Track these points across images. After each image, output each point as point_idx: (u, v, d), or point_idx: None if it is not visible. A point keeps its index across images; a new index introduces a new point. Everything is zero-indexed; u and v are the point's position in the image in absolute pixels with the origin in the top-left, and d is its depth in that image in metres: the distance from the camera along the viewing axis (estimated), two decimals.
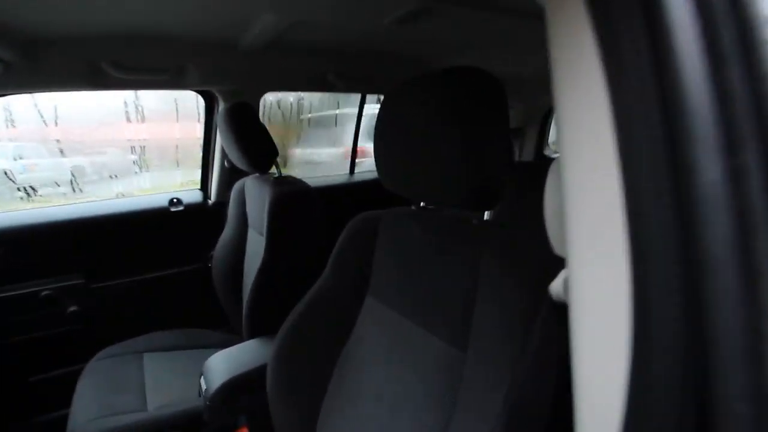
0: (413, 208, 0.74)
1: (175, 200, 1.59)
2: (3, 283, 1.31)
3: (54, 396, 1.20)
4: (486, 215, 0.67)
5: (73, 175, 1.69)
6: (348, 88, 1.78)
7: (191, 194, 1.67)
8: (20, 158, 1.72)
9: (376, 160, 0.68)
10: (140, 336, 1.34)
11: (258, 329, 1.10)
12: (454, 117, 0.53)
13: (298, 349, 0.76)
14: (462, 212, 0.64)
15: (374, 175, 2.21)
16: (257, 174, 1.31)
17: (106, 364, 1.20)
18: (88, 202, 1.58)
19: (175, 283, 1.59)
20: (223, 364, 0.95)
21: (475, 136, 0.52)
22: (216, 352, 1.32)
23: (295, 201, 1.12)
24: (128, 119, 1.66)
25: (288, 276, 1.11)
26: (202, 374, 0.96)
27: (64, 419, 1.03)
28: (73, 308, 1.40)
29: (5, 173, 1.56)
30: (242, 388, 0.91)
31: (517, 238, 0.59)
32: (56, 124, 1.53)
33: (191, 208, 1.62)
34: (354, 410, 0.68)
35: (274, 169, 1.27)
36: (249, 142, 1.18)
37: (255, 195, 1.27)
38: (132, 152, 1.83)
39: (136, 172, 1.85)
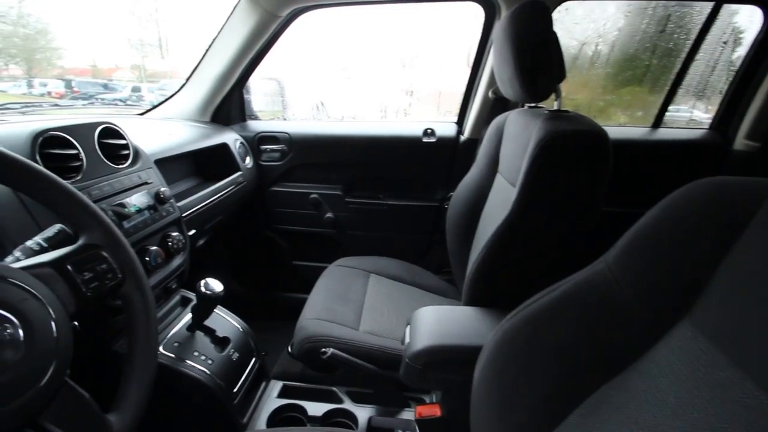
0: None
1: (429, 131, 1.50)
2: (288, 180, 1.59)
3: (305, 282, 1.40)
4: None
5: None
6: None
7: (446, 127, 1.54)
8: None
9: None
10: (371, 256, 1.39)
11: (480, 297, 0.87)
12: None
13: (529, 354, 0.48)
14: None
15: (688, 133, 1.52)
16: (526, 106, 1.01)
17: (341, 272, 1.29)
18: (358, 122, 1.71)
19: (411, 216, 1.57)
20: (432, 325, 0.78)
21: None
22: (432, 299, 1.23)
23: (574, 144, 0.75)
24: None
25: (538, 243, 0.80)
26: (409, 323, 0.83)
27: (303, 303, 1.15)
28: (329, 215, 1.58)
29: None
30: (446, 361, 0.73)
31: None
32: None
33: (442, 142, 1.50)
34: None
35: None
36: (531, 54, 0.84)
37: (516, 132, 0.97)
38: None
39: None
